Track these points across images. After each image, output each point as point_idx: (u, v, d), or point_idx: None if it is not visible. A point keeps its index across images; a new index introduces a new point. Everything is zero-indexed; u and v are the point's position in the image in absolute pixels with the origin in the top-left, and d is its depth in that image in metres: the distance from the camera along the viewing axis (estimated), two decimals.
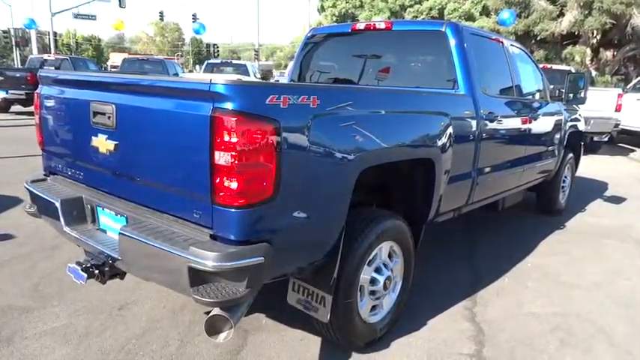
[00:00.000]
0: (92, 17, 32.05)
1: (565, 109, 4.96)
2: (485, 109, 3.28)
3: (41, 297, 2.98)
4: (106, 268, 2.18)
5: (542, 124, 4.38)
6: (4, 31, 35.27)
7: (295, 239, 2.03)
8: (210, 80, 1.75)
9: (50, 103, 2.62)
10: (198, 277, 1.80)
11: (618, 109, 9.78)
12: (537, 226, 4.98)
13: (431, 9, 29.96)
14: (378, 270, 2.52)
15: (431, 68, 3.75)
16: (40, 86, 2.70)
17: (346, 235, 2.23)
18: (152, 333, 2.64)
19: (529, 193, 4.95)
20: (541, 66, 5.99)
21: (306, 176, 1.97)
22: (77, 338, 2.56)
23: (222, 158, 1.74)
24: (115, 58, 36.95)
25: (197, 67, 46.70)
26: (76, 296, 2.99)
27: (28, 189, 2.65)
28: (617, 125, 9.89)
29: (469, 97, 3.19)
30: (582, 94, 4.85)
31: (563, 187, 5.35)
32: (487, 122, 3.31)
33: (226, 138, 1.72)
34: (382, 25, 3.74)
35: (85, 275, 2.15)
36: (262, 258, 1.80)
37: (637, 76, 14.55)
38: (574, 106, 5.19)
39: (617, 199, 6.27)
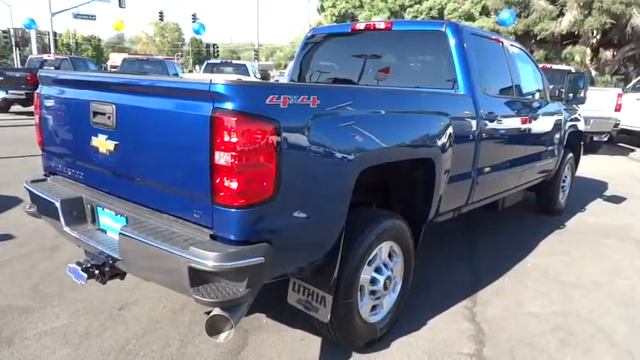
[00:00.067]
0: (92, 17, 32.06)
1: (565, 109, 4.96)
2: (485, 109, 3.28)
3: (41, 297, 2.98)
4: (106, 269, 2.18)
5: (542, 124, 4.39)
6: (4, 31, 35.26)
7: (295, 239, 2.03)
8: (210, 80, 1.75)
9: (50, 103, 2.62)
10: (198, 277, 1.80)
11: (618, 108, 9.78)
12: (537, 225, 4.98)
13: (431, 9, 29.97)
14: (378, 270, 2.52)
15: (431, 68, 3.75)
16: (39, 86, 2.70)
17: (346, 235, 2.23)
18: (152, 333, 2.64)
19: (529, 193, 4.95)
20: (541, 66, 5.99)
21: (306, 176, 1.97)
22: (77, 339, 2.56)
23: (222, 158, 1.74)
24: (115, 58, 36.97)
25: (197, 67, 46.70)
26: (76, 296, 2.99)
27: (27, 189, 2.65)
28: (616, 125, 9.89)
29: (469, 97, 3.19)
30: (582, 94, 4.85)
31: (563, 186, 5.35)
32: (487, 122, 3.31)
33: (226, 138, 1.72)
34: (382, 25, 3.74)
35: (86, 275, 2.15)
36: (262, 258, 1.80)
37: (637, 76, 14.55)
38: (574, 105, 5.19)
39: (617, 199, 6.27)
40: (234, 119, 1.71)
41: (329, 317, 2.23)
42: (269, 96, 1.79)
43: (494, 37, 3.97)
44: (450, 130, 2.86)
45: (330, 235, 2.18)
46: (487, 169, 3.44)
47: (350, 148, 2.13)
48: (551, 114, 4.63)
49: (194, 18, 31.84)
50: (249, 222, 1.81)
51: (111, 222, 2.33)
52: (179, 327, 2.71)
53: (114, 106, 2.13)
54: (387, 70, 3.86)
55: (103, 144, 2.21)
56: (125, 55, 25.18)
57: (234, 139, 1.71)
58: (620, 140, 11.58)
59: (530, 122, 4.06)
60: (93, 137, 2.26)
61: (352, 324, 2.40)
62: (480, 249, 4.23)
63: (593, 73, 17.96)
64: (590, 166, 8.23)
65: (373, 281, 2.49)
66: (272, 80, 15.96)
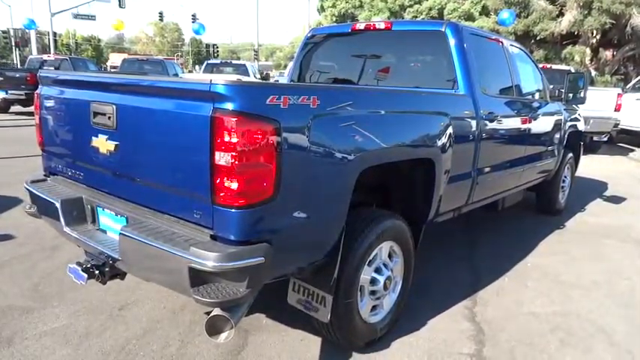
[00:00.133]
0: (92, 17, 32.06)
1: (565, 109, 4.97)
2: (485, 109, 3.28)
3: (41, 297, 2.98)
4: (107, 269, 2.18)
5: (541, 124, 4.39)
6: (4, 32, 35.27)
7: (295, 239, 2.03)
8: (211, 80, 1.75)
9: (50, 103, 2.62)
10: (198, 278, 1.80)
11: (618, 108, 9.78)
12: (537, 225, 4.98)
13: (430, 9, 29.95)
14: (378, 270, 2.52)
15: (431, 68, 3.75)
16: (40, 86, 2.70)
17: (346, 235, 2.23)
18: (152, 333, 2.64)
19: (529, 193, 4.95)
20: (541, 66, 5.99)
21: (307, 176, 1.97)
22: (77, 339, 2.56)
23: (222, 158, 1.74)
24: (115, 59, 36.97)
25: (197, 67, 46.72)
26: (76, 296, 2.99)
27: (28, 189, 2.65)
28: (616, 125, 9.90)
29: (469, 97, 3.19)
30: (582, 94, 4.86)
31: (562, 186, 5.35)
32: (487, 122, 3.31)
33: (227, 138, 1.72)
34: (382, 25, 3.74)
35: (86, 275, 2.15)
36: (262, 258, 1.80)
37: (636, 76, 14.56)
38: (574, 105, 5.20)
39: (616, 199, 6.28)
40: (234, 119, 1.71)
41: (329, 317, 2.23)
42: (269, 96, 1.80)
43: (494, 37, 3.98)
44: (450, 130, 2.86)
45: (330, 235, 2.18)
46: (487, 169, 3.44)
47: (350, 148, 2.13)
48: (551, 114, 4.63)
49: (194, 18, 31.85)
50: (249, 222, 1.81)
51: (111, 222, 2.33)
52: (179, 327, 2.71)
53: (114, 107, 2.13)
54: (386, 70, 3.87)
55: (103, 144, 2.21)
56: (125, 56, 25.17)
57: (234, 140, 1.71)
58: (620, 140, 11.58)
59: (530, 122, 4.06)
60: (93, 137, 2.26)
61: (352, 324, 2.40)
62: (480, 249, 4.23)
63: (593, 73, 17.96)
64: (590, 166, 8.23)
65: (373, 281, 2.49)
66: (272, 80, 15.98)
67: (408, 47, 3.78)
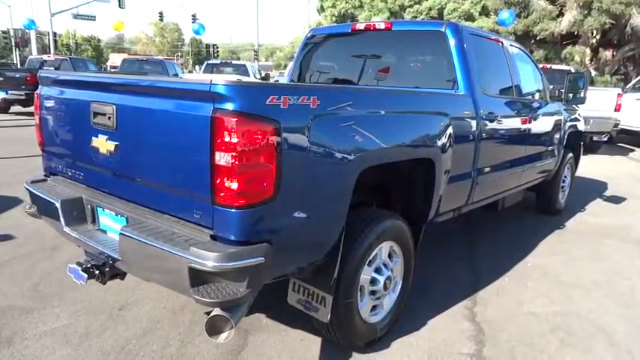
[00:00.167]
0: (91, 18, 32.06)
1: (565, 109, 4.97)
2: (485, 109, 3.28)
3: (41, 297, 2.98)
4: (107, 269, 2.18)
5: (541, 124, 4.39)
6: (4, 32, 35.27)
7: (295, 239, 2.03)
8: (211, 81, 1.75)
9: (50, 103, 2.62)
10: (198, 278, 1.80)
11: (618, 108, 9.79)
12: (537, 225, 4.98)
13: (430, 9, 29.94)
14: (378, 270, 2.52)
15: (431, 68, 3.75)
16: (40, 87, 2.70)
17: (346, 235, 2.23)
18: (152, 333, 2.64)
19: (529, 193, 4.95)
20: (540, 66, 5.99)
21: (307, 176, 1.97)
22: (77, 339, 2.56)
23: (222, 159, 1.74)
24: (115, 59, 36.95)
25: (197, 67, 46.72)
26: (77, 296, 2.99)
27: (28, 189, 2.65)
28: (616, 125, 9.90)
29: (469, 97, 3.19)
30: (582, 94, 4.86)
31: (562, 186, 5.36)
32: (487, 122, 3.31)
33: (227, 138, 1.72)
34: (382, 26, 3.74)
35: (86, 276, 2.15)
36: (262, 258, 1.81)
37: (636, 76, 14.56)
38: (573, 105, 5.20)
39: (616, 199, 6.28)
40: (234, 120, 1.71)
41: (329, 317, 2.23)
42: (269, 96, 1.80)
43: (493, 38, 3.98)
44: (450, 130, 2.86)
45: (330, 236, 2.18)
46: (487, 169, 3.44)
47: (350, 149, 2.13)
48: (551, 114, 4.63)
49: (194, 18, 31.86)
50: (249, 222, 1.81)
51: (111, 222, 2.33)
52: (179, 327, 2.71)
53: (114, 107, 2.13)
54: (386, 70, 3.87)
55: (103, 144, 2.21)
56: (125, 56, 25.16)
57: (234, 140, 1.72)
58: (620, 140, 11.58)
59: (530, 122, 4.06)
60: (93, 138, 2.26)
61: (352, 324, 2.40)
62: (480, 249, 4.23)
63: (593, 73, 17.96)
64: (590, 166, 8.23)
65: (373, 281, 2.49)
66: (272, 80, 15.98)
67: (408, 47, 3.78)
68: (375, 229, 2.40)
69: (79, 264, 2.18)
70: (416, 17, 29.42)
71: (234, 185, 1.75)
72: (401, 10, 31.06)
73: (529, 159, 4.20)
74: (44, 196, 2.47)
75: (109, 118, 2.16)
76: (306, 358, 2.50)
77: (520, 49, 4.41)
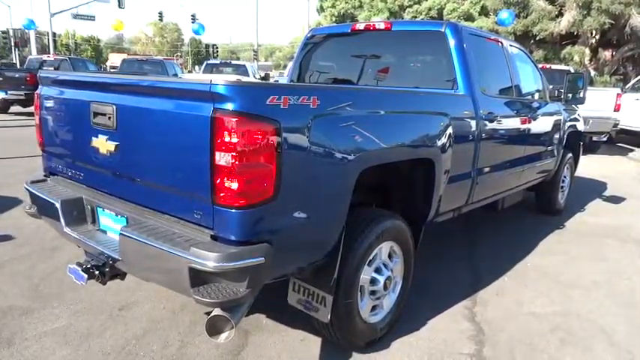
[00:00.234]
0: (91, 18, 32.05)
1: (564, 109, 4.97)
2: (485, 109, 3.29)
3: (41, 298, 2.98)
4: (107, 269, 2.18)
5: (541, 124, 4.39)
6: (4, 32, 35.21)
7: (296, 239, 2.04)
8: (211, 81, 1.75)
9: (50, 103, 2.62)
10: (198, 278, 1.80)
11: (617, 108, 9.79)
12: (537, 226, 4.98)
13: (430, 9, 29.95)
14: (378, 270, 2.52)
15: (430, 68, 3.76)
16: (39, 87, 2.70)
17: (346, 235, 2.24)
18: (153, 333, 2.64)
19: (529, 193, 4.96)
20: (540, 66, 5.99)
21: (307, 177, 1.97)
22: (78, 339, 2.56)
23: (222, 159, 1.74)
24: (114, 59, 36.97)
25: (196, 67, 46.70)
26: (77, 297, 2.99)
27: (28, 190, 2.65)
28: (616, 125, 9.91)
29: (468, 97, 3.19)
30: (581, 94, 4.86)
31: (562, 186, 5.36)
32: (486, 122, 3.31)
33: (227, 139, 1.72)
34: (382, 26, 3.74)
35: (86, 276, 2.15)
36: (263, 258, 1.81)
37: (636, 76, 14.57)
38: (573, 106, 5.20)
39: (616, 199, 6.28)
40: (234, 120, 1.71)
41: (329, 317, 2.23)
42: (269, 96, 1.80)
43: (493, 38, 3.98)
44: (450, 130, 2.86)
45: (330, 236, 2.18)
46: (487, 169, 3.44)
47: (350, 149, 2.13)
48: (551, 114, 4.64)
49: (193, 18, 31.87)
50: (249, 222, 1.81)
51: (111, 222, 2.33)
52: (179, 327, 2.71)
53: (114, 107, 2.13)
54: (386, 70, 3.87)
55: (103, 144, 2.21)
56: (124, 56, 25.14)
57: (234, 140, 1.72)
58: (620, 140, 11.58)
59: (529, 122, 4.07)
60: (93, 138, 2.26)
61: (352, 324, 2.40)
62: (480, 249, 4.23)
63: (592, 73, 17.99)
64: (590, 166, 8.24)
65: (373, 281, 2.49)
66: (271, 80, 15.98)
67: (407, 47, 3.79)
68: (375, 229, 2.40)
69: (79, 264, 2.18)
70: (415, 17, 29.43)
71: (235, 185, 1.75)
72: (400, 10, 31.07)
73: (529, 159, 4.20)
74: (44, 197, 2.47)
75: (109, 118, 2.16)
76: (306, 358, 2.50)
77: (520, 49, 4.41)
